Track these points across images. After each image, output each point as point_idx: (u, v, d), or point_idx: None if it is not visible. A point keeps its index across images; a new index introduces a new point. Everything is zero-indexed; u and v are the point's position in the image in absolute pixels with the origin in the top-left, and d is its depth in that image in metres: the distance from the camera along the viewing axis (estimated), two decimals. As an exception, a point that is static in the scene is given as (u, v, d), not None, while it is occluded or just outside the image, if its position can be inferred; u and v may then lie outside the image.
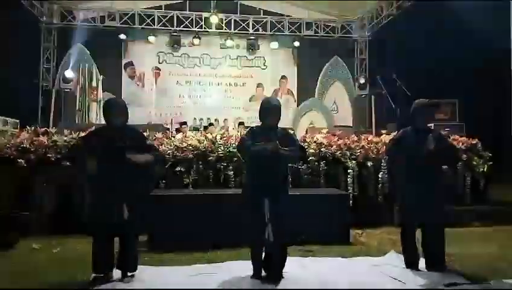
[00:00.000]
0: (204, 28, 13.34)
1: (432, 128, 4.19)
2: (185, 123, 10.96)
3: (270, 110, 3.87)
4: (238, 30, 13.52)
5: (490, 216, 6.49)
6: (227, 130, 8.76)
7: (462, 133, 8.03)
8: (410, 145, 4.04)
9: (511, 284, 3.74)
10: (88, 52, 12.61)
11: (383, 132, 7.40)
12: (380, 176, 6.52)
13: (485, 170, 6.91)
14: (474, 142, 7.15)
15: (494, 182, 7.22)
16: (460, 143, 7.05)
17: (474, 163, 6.91)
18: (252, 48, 13.69)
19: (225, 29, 13.44)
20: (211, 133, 7.53)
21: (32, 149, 6.02)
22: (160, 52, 13.49)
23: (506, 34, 8.51)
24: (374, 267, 4.23)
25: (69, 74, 11.61)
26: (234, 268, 4.11)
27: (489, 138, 7.46)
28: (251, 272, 3.83)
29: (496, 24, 8.86)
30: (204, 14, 13.07)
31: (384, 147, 6.68)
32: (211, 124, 10.99)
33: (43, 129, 6.66)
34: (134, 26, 12.78)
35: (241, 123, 10.93)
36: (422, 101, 4.28)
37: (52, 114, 9.76)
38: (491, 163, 6.99)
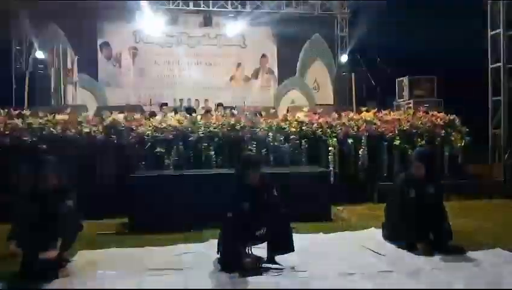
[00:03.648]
0: (182, 6, 13.03)
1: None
2: (165, 104, 10.77)
3: (249, 168, 3.71)
4: (217, 8, 13.25)
5: (468, 190, 6.64)
6: (210, 113, 8.60)
7: (440, 109, 8.15)
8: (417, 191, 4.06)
9: (487, 254, 3.86)
10: (62, 32, 12.22)
11: (363, 109, 7.42)
12: (360, 152, 6.58)
13: (463, 144, 7.04)
14: (452, 117, 7.26)
15: (471, 156, 7.37)
16: (439, 119, 7.15)
17: (452, 138, 7.02)
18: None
19: (203, 7, 13.15)
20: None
21: (6, 132, 5.86)
22: (136, 31, 13.14)
23: (483, 11, 8.58)
24: (355, 242, 4.30)
25: (41, 55, 11.26)
26: (216, 247, 4.11)
27: (466, 114, 7.58)
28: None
29: (474, 2, 8.91)
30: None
31: (365, 124, 6.76)
32: (191, 109, 10.77)
33: (17, 112, 6.47)
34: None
35: (219, 104, 10.79)
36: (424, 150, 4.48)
37: (26, 96, 9.47)
38: (468, 138, 7.12)
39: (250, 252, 3.65)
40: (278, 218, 3.58)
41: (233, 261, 3.54)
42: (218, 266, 3.63)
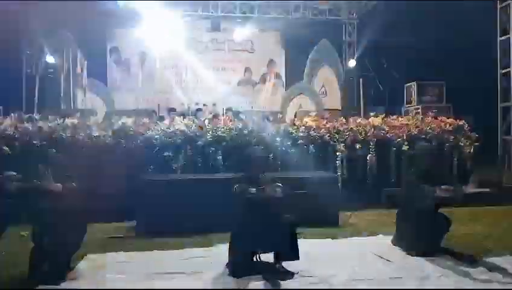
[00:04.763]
0: (191, 11, 13.10)
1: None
2: (173, 109, 10.82)
3: (253, 160, 3.82)
4: (225, 13, 13.31)
5: (477, 196, 6.56)
6: (218, 118, 8.57)
7: (449, 115, 8.11)
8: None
9: (496, 260, 3.82)
10: (72, 37, 12.33)
11: (371, 114, 7.40)
12: (368, 158, 6.56)
13: (472, 151, 6.99)
14: (461, 123, 7.22)
15: (480, 162, 7.30)
16: (448, 124, 7.11)
17: (461, 144, 6.98)
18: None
19: (212, 12, 13.22)
20: (199, 119, 7.50)
21: (16, 136, 5.93)
22: (145, 36, 13.20)
23: (493, 15, 8.54)
24: (363, 248, 4.28)
25: (51, 59, 11.38)
26: (223, 251, 4.12)
27: (476, 120, 7.53)
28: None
29: (483, 5, 8.87)
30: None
31: (373, 129, 6.74)
32: (199, 110, 10.88)
33: (27, 115, 6.54)
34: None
35: (228, 109, 10.85)
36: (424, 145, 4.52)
37: (36, 100, 9.58)
38: (477, 144, 7.07)
39: (258, 259, 3.65)
40: (283, 226, 3.56)
41: (242, 266, 3.55)
42: (227, 271, 3.63)
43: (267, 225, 3.50)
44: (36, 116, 6.58)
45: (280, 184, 3.76)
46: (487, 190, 4.16)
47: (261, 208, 3.55)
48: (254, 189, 3.53)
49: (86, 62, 11.67)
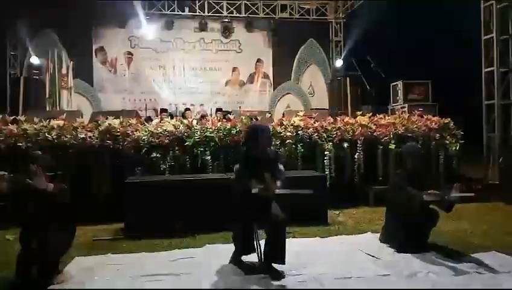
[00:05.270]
0: (177, 11, 13.07)
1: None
2: (165, 110, 10.76)
3: (259, 138, 3.75)
4: (212, 13, 13.30)
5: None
6: (206, 118, 8.51)
7: (435, 113, 8.20)
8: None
9: (482, 256, 3.88)
10: (57, 37, 12.19)
11: (358, 113, 7.46)
12: (355, 156, 6.60)
13: (457, 148, 7.08)
14: (446, 121, 7.30)
15: (465, 160, 7.41)
16: (433, 123, 7.19)
17: (447, 142, 7.06)
18: (227, 30, 13.45)
19: (199, 12, 13.19)
20: (187, 119, 7.48)
21: (1, 138, 5.83)
22: (131, 36, 13.14)
23: (477, 13, 8.66)
24: (352, 246, 4.31)
25: (36, 60, 11.23)
26: (212, 252, 4.13)
27: (461, 118, 7.63)
28: (229, 255, 3.84)
29: (467, 5, 8.99)
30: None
31: (360, 128, 6.79)
32: (187, 109, 10.86)
33: (12, 118, 6.44)
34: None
35: (218, 109, 10.84)
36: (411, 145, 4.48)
37: (21, 102, 9.43)
38: (462, 142, 7.17)
39: (258, 252, 3.67)
40: (275, 228, 3.56)
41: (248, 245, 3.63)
42: (217, 271, 3.62)
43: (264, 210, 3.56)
44: (21, 117, 6.47)
45: (282, 168, 3.79)
46: (472, 195, 4.17)
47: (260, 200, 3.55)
48: (257, 187, 3.49)
49: (71, 63, 11.54)
